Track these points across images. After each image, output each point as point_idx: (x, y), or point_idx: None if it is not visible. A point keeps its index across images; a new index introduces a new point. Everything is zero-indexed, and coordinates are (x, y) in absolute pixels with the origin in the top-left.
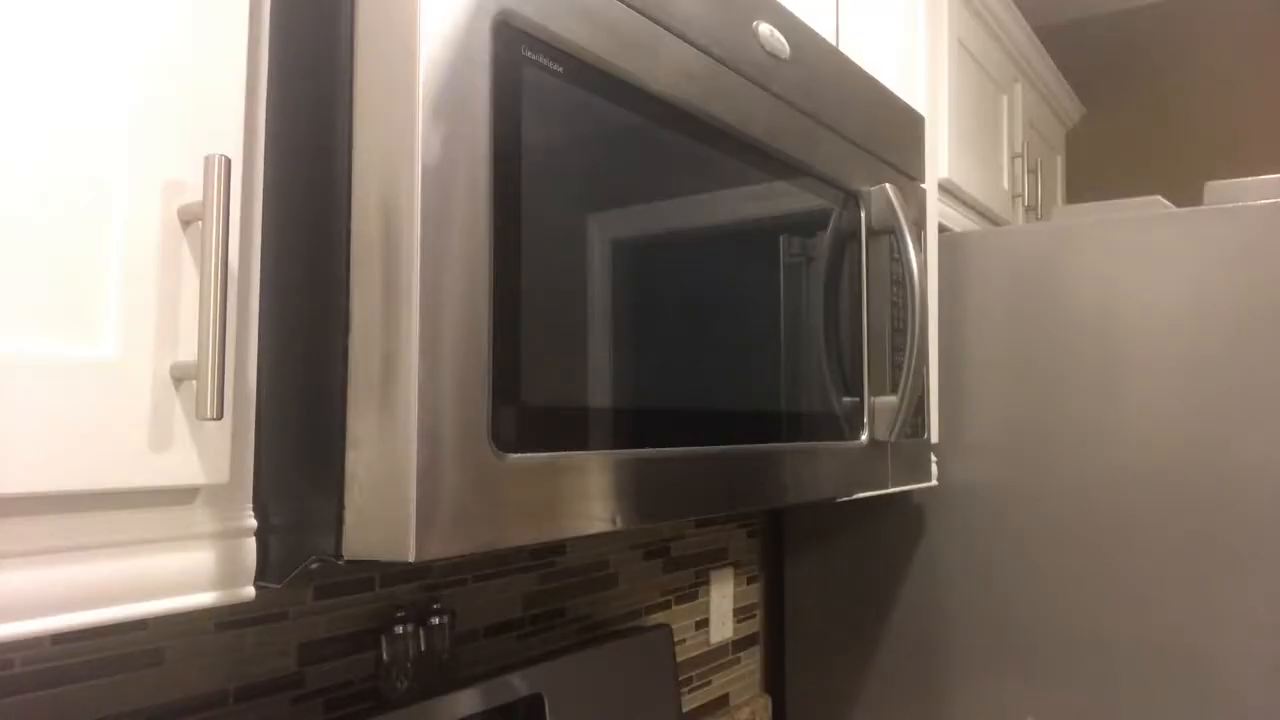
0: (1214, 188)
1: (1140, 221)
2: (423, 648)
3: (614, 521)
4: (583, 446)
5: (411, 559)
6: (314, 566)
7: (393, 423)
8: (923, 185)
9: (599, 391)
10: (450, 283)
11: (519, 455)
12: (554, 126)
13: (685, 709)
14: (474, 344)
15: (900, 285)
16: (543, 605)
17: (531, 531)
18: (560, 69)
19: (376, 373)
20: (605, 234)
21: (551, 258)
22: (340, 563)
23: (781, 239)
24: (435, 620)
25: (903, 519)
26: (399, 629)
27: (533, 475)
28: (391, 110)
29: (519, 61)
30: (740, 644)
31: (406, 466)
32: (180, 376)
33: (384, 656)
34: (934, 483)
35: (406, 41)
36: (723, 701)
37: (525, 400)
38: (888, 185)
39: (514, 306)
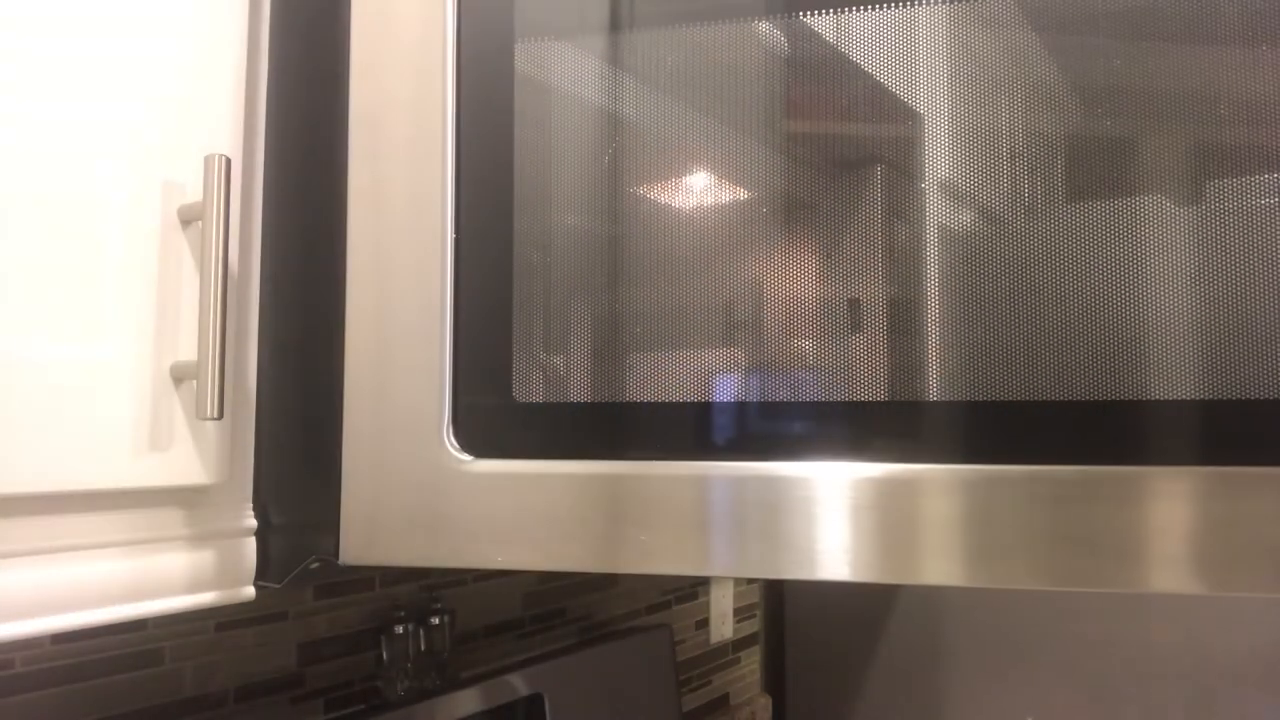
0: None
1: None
2: (423, 648)
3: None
4: (600, 454)
5: (339, 562)
6: (314, 567)
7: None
8: None
9: (634, 383)
10: (388, 273)
11: (496, 462)
12: (578, 73)
13: (685, 709)
14: (422, 336)
15: None
16: (543, 605)
17: (515, 555)
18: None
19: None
20: (676, 197)
21: (578, 234)
22: (341, 562)
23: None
24: (435, 620)
25: None
26: (399, 629)
27: (519, 486)
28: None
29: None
30: (740, 644)
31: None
32: (180, 376)
33: (384, 656)
34: None
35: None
36: (723, 701)
37: (516, 397)
38: None
39: (502, 292)
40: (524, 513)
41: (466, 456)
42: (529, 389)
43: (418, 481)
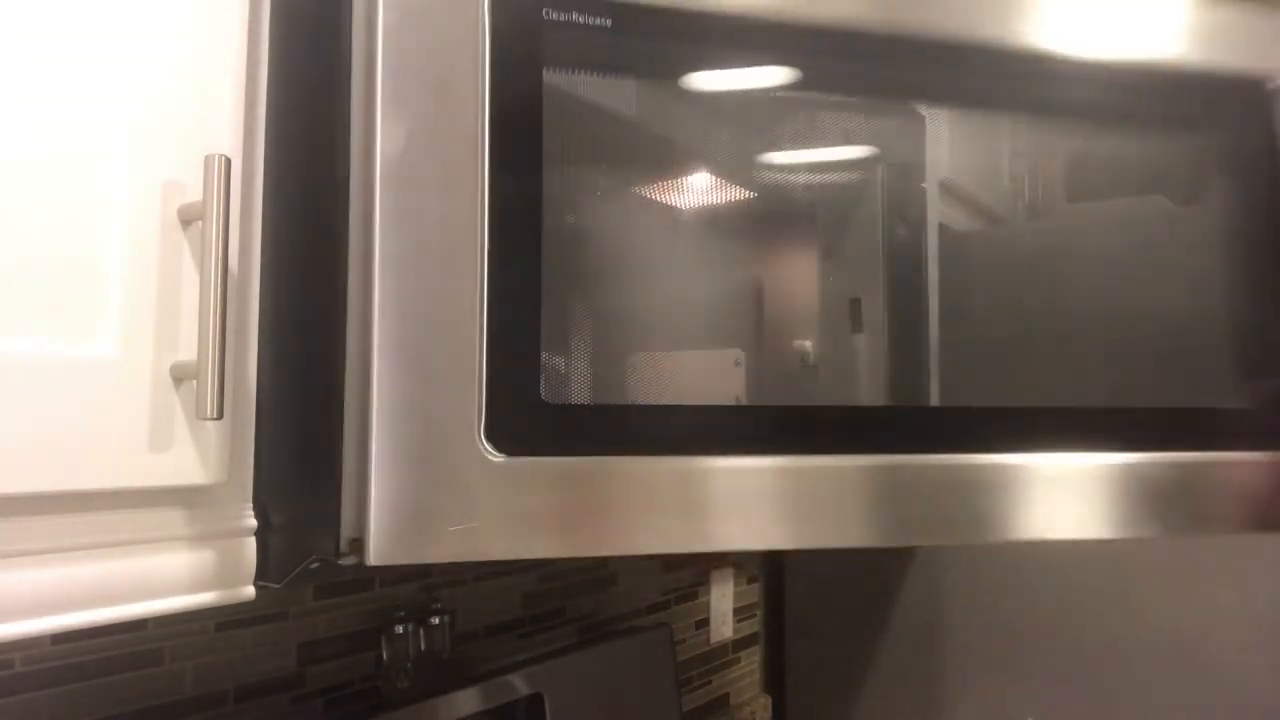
0: None
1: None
2: (423, 648)
3: (658, 543)
4: (619, 450)
5: (369, 561)
6: (314, 566)
7: (362, 421)
8: None
9: (644, 387)
10: (421, 277)
11: (527, 459)
12: (602, 88)
13: (685, 709)
14: (456, 339)
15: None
16: (543, 605)
17: (546, 544)
18: (608, 21)
19: (353, 371)
20: (692, 205)
21: (594, 239)
22: (340, 562)
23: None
24: (435, 620)
25: None
26: (399, 629)
27: (548, 481)
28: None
29: (538, 25)
30: (740, 644)
31: (366, 465)
32: (180, 376)
33: (384, 656)
34: None
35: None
36: (723, 701)
37: (544, 398)
38: None
39: (531, 298)
40: (553, 505)
41: (500, 455)
42: (556, 391)
43: (452, 483)
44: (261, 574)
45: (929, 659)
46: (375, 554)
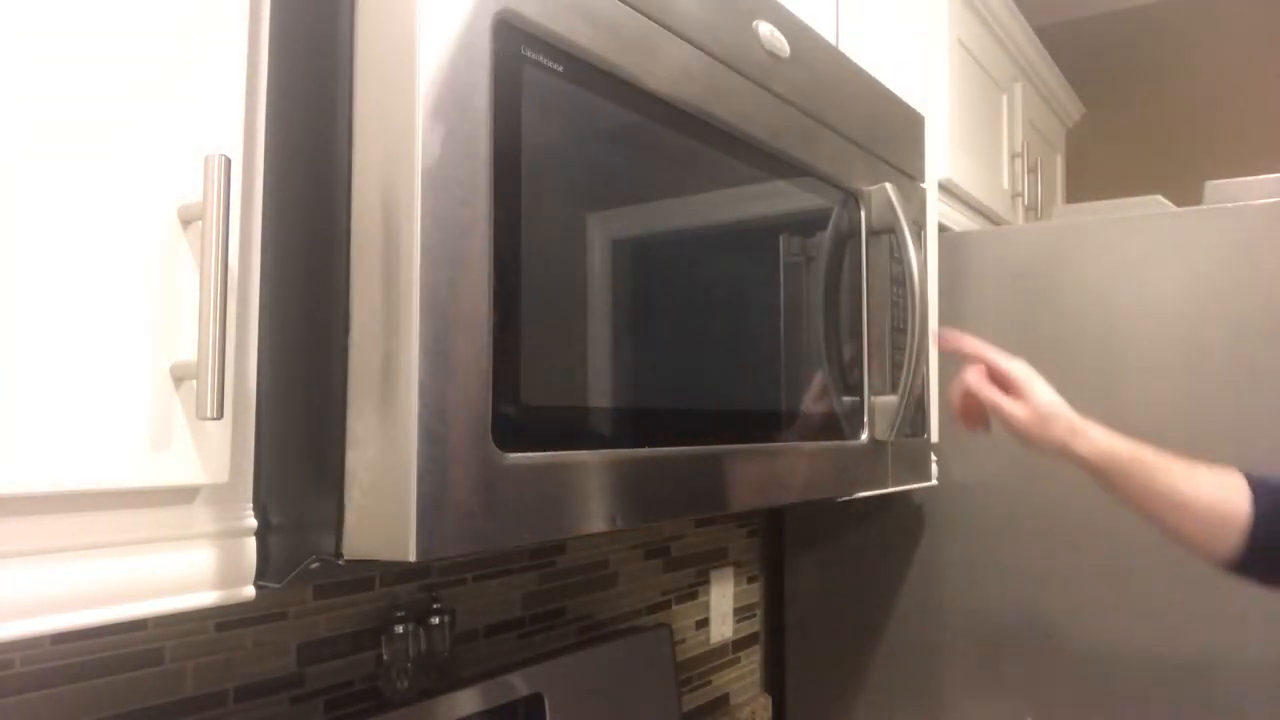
0: (1214, 187)
1: (1140, 221)
2: (423, 647)
3: (615, 521)
4: (584, 446)
5: (412, 559)
6: (314, 566)
7: (394, 422)
8: (922, 185)
9: (599, 391)
10: (450, 282)
11: (520, 455)
12: (554, 126)
13: (685, 709)
14: (474, 343)
15: (900, 284)
16: (543, 605)
17: (533, 531)
18: (560, 69)
19: (377, 372)
20: (605, 233)
21: (551, 256)
22: (340, 563)
23: (782, 238)
24: (435, 620)
25: (903, 519)
26: (399, 629)
27: (534, 475)
28: (391, 109)
29: (519, 61)
30: (740, 644)
31: (407, 466)
32: (180, 376)
33: (384, 656)
34: (934, 482)
35: (405, 41)
36: (723, 701)
37: (526, 400)
38: (887, 185)
39: (514, 305)
40: (549, 494)
41: (503, 452)
42: (535, 393)
43: (475, 480)
44: (261, 574)
45: (929, 658)
46: (420, 551)
